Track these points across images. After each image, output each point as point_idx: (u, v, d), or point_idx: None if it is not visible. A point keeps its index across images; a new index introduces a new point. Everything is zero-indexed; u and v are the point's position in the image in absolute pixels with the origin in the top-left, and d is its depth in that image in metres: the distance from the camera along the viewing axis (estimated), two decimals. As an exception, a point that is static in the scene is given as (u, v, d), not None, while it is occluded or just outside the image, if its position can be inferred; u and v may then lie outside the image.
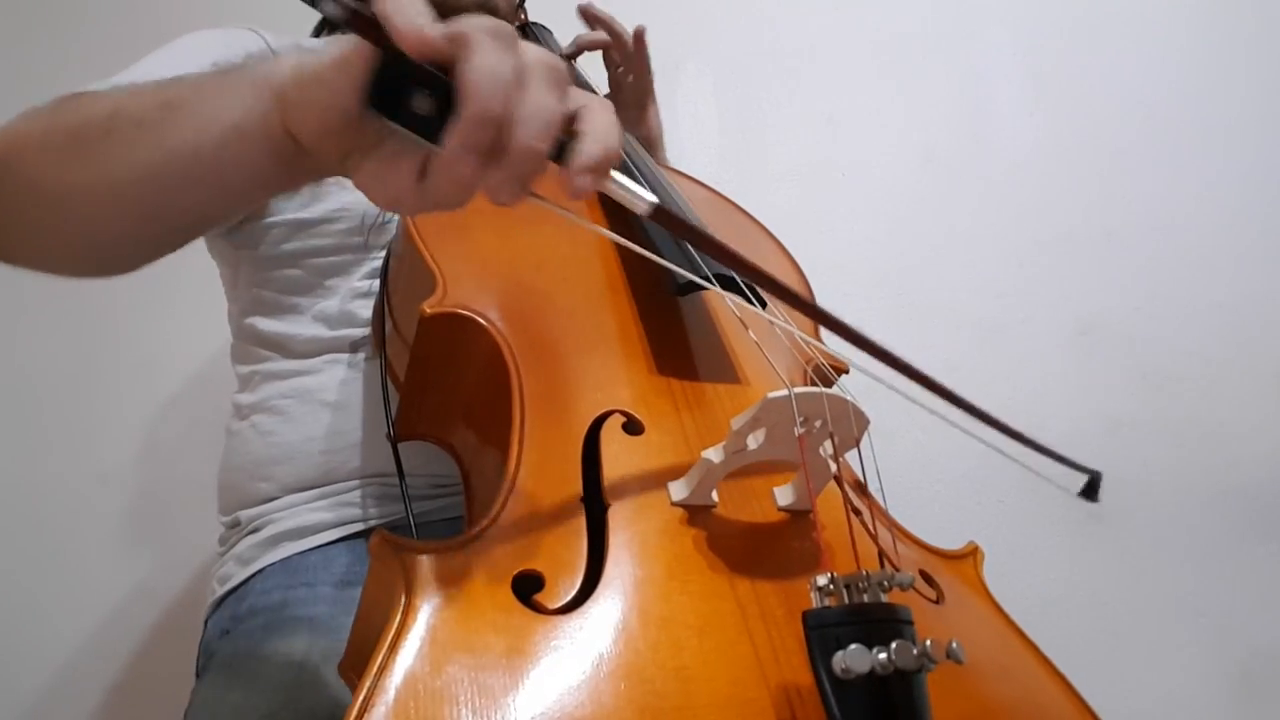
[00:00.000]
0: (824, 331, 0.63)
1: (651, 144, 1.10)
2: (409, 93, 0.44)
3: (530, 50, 0.46)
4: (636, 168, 0.86)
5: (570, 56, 1.10)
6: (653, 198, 0.48)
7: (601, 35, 1.10)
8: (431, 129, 0.44)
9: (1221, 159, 1.48)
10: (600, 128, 0.47)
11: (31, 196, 0.60)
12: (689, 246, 0.74)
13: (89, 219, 0.59)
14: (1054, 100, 1.54)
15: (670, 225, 0.51)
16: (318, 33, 1.17)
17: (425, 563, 0.51)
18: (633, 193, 0.48)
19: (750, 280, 0.70)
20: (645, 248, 0.75)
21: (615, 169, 0.47)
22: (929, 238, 1.48)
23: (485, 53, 0.44)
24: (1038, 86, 1.55)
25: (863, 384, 0.76)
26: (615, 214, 0.84)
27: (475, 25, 0.44)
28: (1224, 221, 1.45)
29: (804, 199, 1.50)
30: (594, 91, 1.05)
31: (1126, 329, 1.41)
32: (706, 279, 0.68)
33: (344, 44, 0.46)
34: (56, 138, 0.59)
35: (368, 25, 0.43)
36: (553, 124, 0.45)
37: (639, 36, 1.10)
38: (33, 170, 0.60)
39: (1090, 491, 0.70)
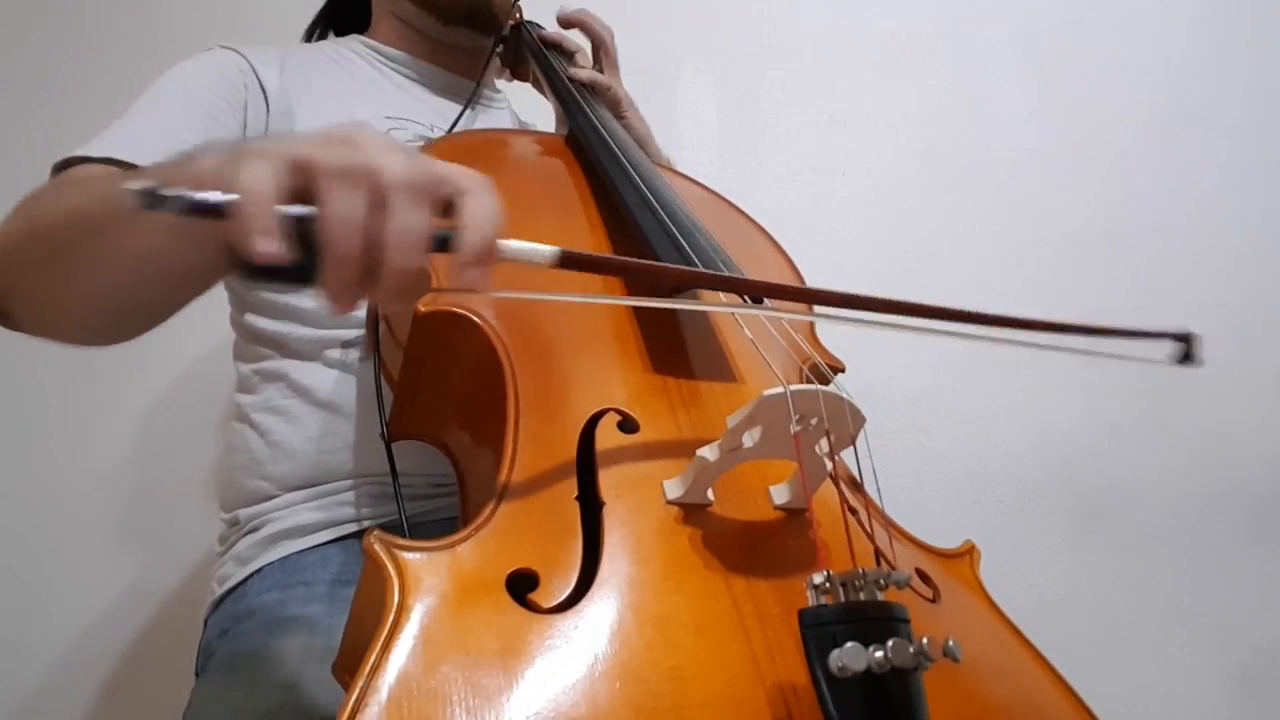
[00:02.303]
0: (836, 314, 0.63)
1: (640, 142, 1.10)
2: None
3: (390, 166, 0.46)
4: (632, 164, 0.86)
5: (554, 45, 1.10)
6: (552, 249, 0.50)
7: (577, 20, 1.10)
8: (299, 271, 0.45)
9: (1221, 159, 1.48)
10: (477, 213, 0.48)
11: (34, 290, 0.69)
12: (684, 244, 0.74)
13: (78, 312, 0.68)
14: (1054, 100, 1.54)
15: (580, 265, 0.53)
16: (309, 36, 1.17)
17: (418, 562, 0.51)
18: (530, 252, 0.50)
19: (718, 287, 0.70)
20: (641, 248, 0.75)
21: (503, 240, 0.49)
22: (929, 238, 1.48)
23: (334, 200, 0.45)
24: (1038, 86, 1.55)
25: (860, 382, 0.76)
26: (610, 218, 0.84)
27: (326, 167, 0.45)
28: (1224, 221, 1.45)
29: (804, 199, 1.50)
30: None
31: (1126, 329, 1.40)
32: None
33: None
34: (40, 239, 0.67)
35: (217, 216, 0.44)
36: (418, 241, 0.46)
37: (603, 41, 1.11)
38: (21, 276, 0.69)
39: (1187, 356, 0.66)
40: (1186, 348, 0.66)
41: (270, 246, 0.43)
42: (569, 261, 0.51)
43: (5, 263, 0.70)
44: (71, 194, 0.69)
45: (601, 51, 1.10)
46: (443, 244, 0.47)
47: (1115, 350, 0.65)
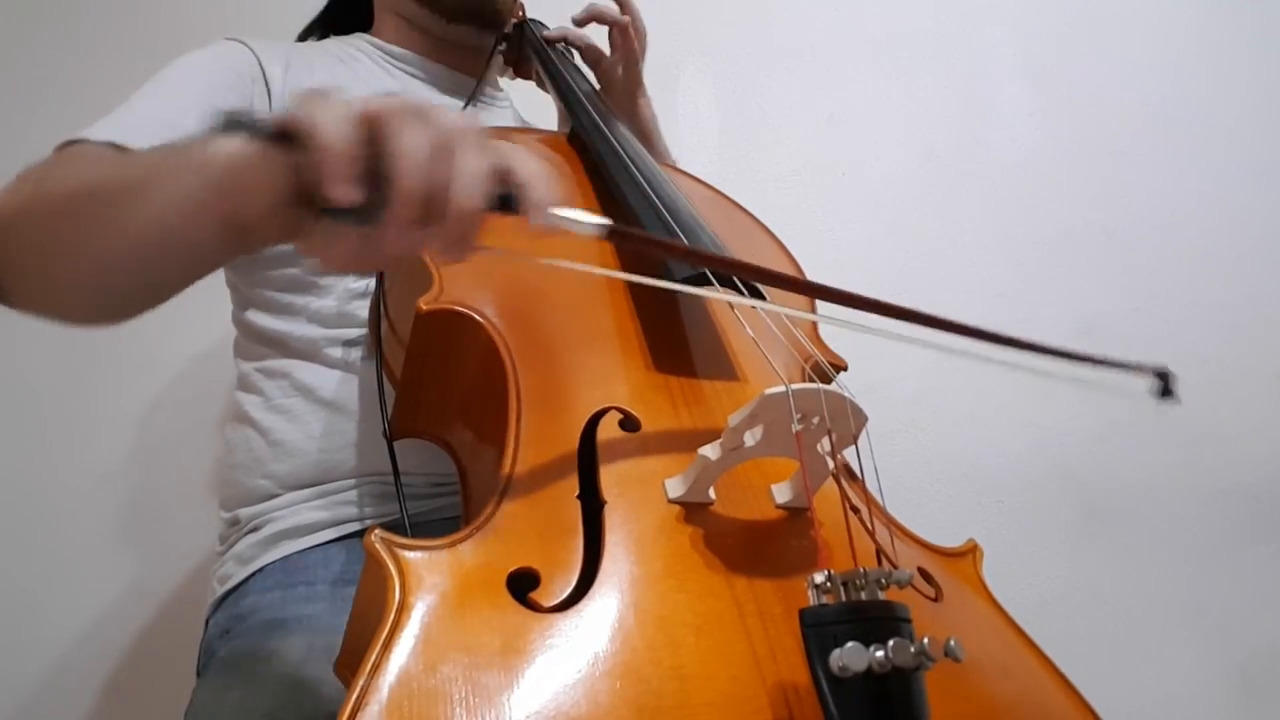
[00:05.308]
0: (836, 314, 0.63)
1: (646, 136, 1.10)
2: None
3: (450, 117, 0.49)
4: (634, 162, 0.86)
5: (557, 42, 1.10)
6: (602, 220, 0.51)
7: (607, 8, 1.09)
8: (366, 210, 0.46)
9: (1221, 159, 1.48)
10: (533, 172, 0.50)
11: (30, 263, 0.67)
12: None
13: (80, 282, 0.66)
14: (1054, 100, 1.54)
15: (627, 241, 0.54)
16: (304, 37, 1.16)
17: (419, 560, 0.50)
18: (582, 220, 0.50)
19: (730, 274, 0.70)
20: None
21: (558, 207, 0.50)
22: (929, 238, 1.48)
23: (403, 137, 0.47)
24: (1038, 86, 1.55)
25: (861, 382, 0.76)
26: (612, 216, 0.83)
27: (392, 110, 0.47)
28: (1224, 221, 1.45)
29: (804, 199, 1.50)
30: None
31: (1126, 329, 1.41)
32: (705, 276, 0.68)
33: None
34: (42, 212, 0.66)
35: (290, 140, 0.46)
36: (482, 182, 0.48)
37: (626, 26, 1.09)
38: (24, 245, 0.67)
39: (1166, 391, 0.66)
40: (1165, 384, 0.66)
41: (345, 187, 0.45)
42: (616, 235, 0.52)
43: (7, 230, 0.68)
44: (86, 166, 0.69)
45: (618, 33, 1.08)
46: (506, 203, 0.49)
47: (1096, 379, 0.65)
